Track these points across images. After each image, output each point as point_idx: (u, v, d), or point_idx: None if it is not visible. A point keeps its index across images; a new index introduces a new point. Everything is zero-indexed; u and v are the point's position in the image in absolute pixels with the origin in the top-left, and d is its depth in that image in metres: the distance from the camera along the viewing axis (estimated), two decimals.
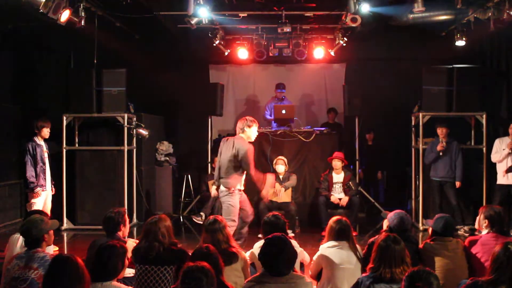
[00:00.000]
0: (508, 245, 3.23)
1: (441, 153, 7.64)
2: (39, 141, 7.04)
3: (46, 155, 7.10)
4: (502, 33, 7.65)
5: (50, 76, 8.98)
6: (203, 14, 6.75)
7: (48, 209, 6.98)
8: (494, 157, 7.40)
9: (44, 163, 7.02)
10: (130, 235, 7.97)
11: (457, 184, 7.67)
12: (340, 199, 7.90)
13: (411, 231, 7.81)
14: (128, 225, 4.66)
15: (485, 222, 4.56)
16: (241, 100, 10.91)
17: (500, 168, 7.33)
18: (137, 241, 4.29)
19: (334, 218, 4.41)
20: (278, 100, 9.74)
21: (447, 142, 7.66)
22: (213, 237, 4.13)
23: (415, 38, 9.23)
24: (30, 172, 6.87)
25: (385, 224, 4.60)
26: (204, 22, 7.17)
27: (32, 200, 6.91)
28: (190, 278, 2.86)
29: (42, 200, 7.01)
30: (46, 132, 7.09)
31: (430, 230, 4.52)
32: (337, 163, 7.99)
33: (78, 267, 2.90)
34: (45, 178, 7.02)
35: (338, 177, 8.03)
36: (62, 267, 2.84)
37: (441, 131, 7.69)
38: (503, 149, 7.25)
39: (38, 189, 6.90)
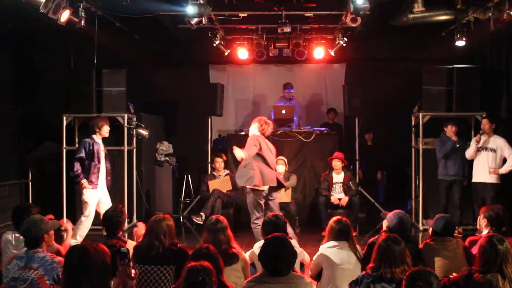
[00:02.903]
0: (493, 238, 3.30)
1: (457, 145, 7.58)
2: (98, 139, 6.98)
3: (102, 154, 7.02)
4: (502, 33, 7.64)
5: (50, 76, 8.99)
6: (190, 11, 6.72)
7: (106, 207, 6.87)
8: (466, 153, 7.47)
9: (99, 162, 6.93)
10: (130, 235, 7.98)
11: (465, 182, 7.64)
12: (340, 199, 7.90)
13: (411, 231, 7.85)
14: (125, 221, 4.64)
15: (484, 222, 4.61)
16: (241, 100, 10.91)
17: (476, 166, 7.41)
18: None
19: (334, 218, 4.41)
20: (287, 100, 9.73)
21: (451, 140, 7.63)
22: (214, 237, 4.13)
23: (415, 38, 9.23)
24: (75, 167, 6.79)
25: (385, 224, 4.60)
26: (204, 22, 7.17)
27: (84, 197, 6.81)
28: (193, 278, 2.86)
29: (95, 199, 6.90)
30: (106, 130, 7.02)
31: (430, 230, 4.53)
32: (337, 163, 7.99)
33: (94, 256, 2.81)
34: (98, 177, 6.91)
35: (338, 177, 8.03)
36: (79, 258, 2.78)
37: (451, 129, 7.65)
38: (471, 144, 7.40)
39: (84, 180, 6.78)
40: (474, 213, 7.55)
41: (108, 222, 4.45)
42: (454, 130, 7.68)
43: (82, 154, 6.82)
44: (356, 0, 6.49)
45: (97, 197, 6.90)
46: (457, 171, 7.65)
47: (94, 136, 6.98)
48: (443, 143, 7.70)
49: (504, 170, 7.17)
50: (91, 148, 6.87)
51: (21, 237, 4.23)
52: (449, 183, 7.71)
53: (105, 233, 4.47)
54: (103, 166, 7.03)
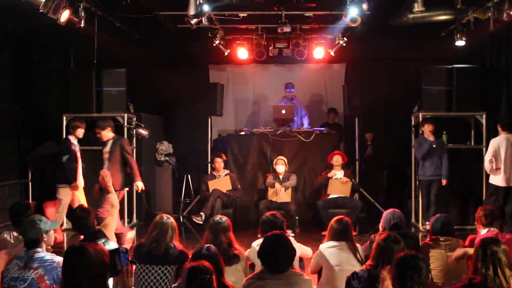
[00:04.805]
0: (486, 241, 3.27)
1: (434, 145, 7.58)
2: (73, 140, 7.10)
3: (78, 154, 7.17)
4: (502, 33, 7.65)
5: (50, 76, 8.98)
6: (205, 9, 6.72)
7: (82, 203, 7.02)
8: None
9: (77, 162, 7.07)
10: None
11: (444, 182, 7.60)
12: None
13: (409, 227, 7.86)
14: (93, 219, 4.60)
15: (482, 222, 4.64)
16: (241, 100, 10.91)
17: None
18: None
19: (336, 217, 4.42)
20: (288, 99, 9.72)
21: (427, 140, 7.62)
22: (215, 236, 4.13)
23: (415, 38, 9.22)
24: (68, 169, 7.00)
25: (381, 225, 4.65)
26: (204, 22, 7.17)
27: (59, 196, 6.98)
28: (194, 277, 2.86)
29: (69, 198, 7.08)
30: (80, 132, 7.14)
31: (427, 228, 4.56)
32: (338, 158, 8.03)
33: (93, 255, 2.80)
34: (77, 178, 7.08)
35: (338, 173, 8.05)
36: (77, 258, 2.77)
37: (427, 128, 7.62)
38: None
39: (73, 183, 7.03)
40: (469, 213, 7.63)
41: (76, 223, 4.42)
42: (431, 129, 7.60)
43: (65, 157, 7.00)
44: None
45: (71, 196, 7.08)
46: (434, 172, 7.64)
47: (70, 137, 7.10)
48: (420, 145, 7.69)
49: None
50: (70, 149, 7.04)
51: (20, 236, 4.24)
52: (428, 182, 7.73)
53: (83, 235, 4.41)
54: (80, 165, 7.19)
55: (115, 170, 6.75)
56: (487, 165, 7.15)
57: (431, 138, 7.58)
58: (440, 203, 7.68)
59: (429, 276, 2.98)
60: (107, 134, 6.96)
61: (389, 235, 3.59)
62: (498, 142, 7.10)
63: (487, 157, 7.13)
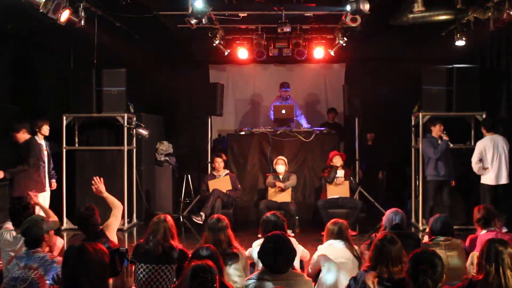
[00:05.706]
0: (494, 242, 3.24)
1: (451, 145, 7.59)
2: (39, 140, 7.06)
3: (45, 153, 7.12)
4: (502, 33, 7.65)
5: (50, 76, 8.98)
6: (200, 4, 6.67)
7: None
8: None
9: (43, 162, 7.02)
10: (130, 235, 8.00)
11: (453, 182, 7.64)
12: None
13: (410, 228, 7.86)
14: (98, 218, 4.59)
15: (481, 222, 4.66)
16: (241, 100, 10.92)
17: None
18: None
19: (332, 220, 4.48)
20: (283, 99, 9.72)
21: (443, 139, 7.63)
22: (214, 236, 4.14)
23: (415, 38, 9.23)
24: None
25: (382, 223, 4.67)
26: (204, 22, 7.17)
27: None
28: (199, 276, 2.86)
29: (40, 199, 7.02)
30: (46, 129, 7.12)
31: (428, 230, 4.56)
32: (338, 159, 8.03)
33: (93, 255, 2.80)
34: (44, 177, 7.02)
35: (339, 172, 8.05)
36: (77, 258, 2.76)
37: (439, 128, 7.61)
38: None
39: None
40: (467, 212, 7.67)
41: (82, 222, 4.42)
42: (442, 129, 7.60)
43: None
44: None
45: (41, 196, 6.94)
46: (447, 172, 7.62)
47: (35, 137, 7.05)
48: (433, 144, 7.63)
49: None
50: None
51: (19, 235, 4.24)
52: (440, 183, 7.67)
53: (85, 235, 4.40)
54: (47, 165, 7.13)
55: (26, 173, 6.61)
56: (474, 167, 7.25)
57: (445, 137, 7.57)
58: (440, 203, 7.69)
59: (443, 276, 2.96)
60: (23, 136, 6.83)
61: (385, 235, 3.58)
62: (484, 144, 7.22)
63: (473, 159, 7.24)
